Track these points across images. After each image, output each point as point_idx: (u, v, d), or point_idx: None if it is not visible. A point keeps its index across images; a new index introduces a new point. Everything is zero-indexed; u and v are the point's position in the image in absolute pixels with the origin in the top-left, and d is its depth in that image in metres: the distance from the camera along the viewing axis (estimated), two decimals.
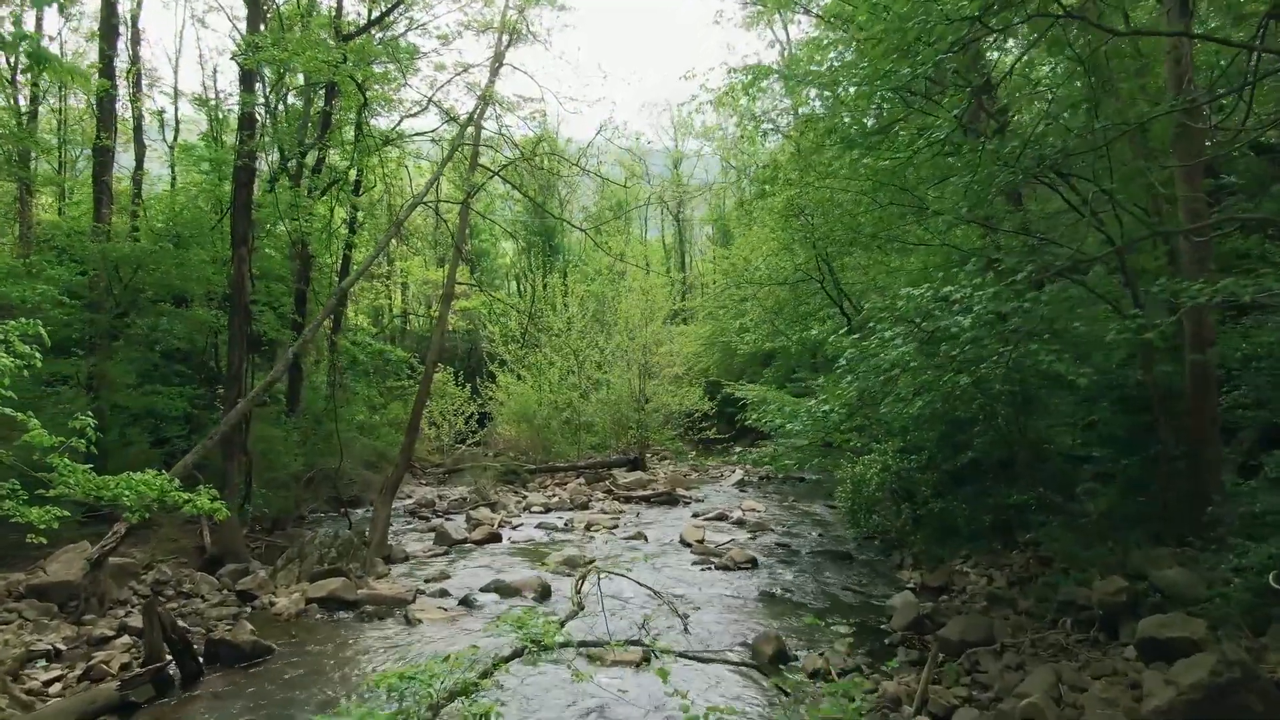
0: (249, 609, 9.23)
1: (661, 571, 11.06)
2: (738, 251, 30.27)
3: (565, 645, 4.92)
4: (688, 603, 9.58)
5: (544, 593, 9.74)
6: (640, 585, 7.68)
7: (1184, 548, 6.93)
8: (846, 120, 7.65)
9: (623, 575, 7.40)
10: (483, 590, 10.08)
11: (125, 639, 7.92)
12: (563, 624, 6.37)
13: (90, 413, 12.01)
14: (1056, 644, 6.73)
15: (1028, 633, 7.03)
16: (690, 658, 6.21)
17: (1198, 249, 7.27)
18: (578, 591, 6.80)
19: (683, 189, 38.58)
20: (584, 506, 17.40)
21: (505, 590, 9.87)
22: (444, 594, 10.00)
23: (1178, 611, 5.98)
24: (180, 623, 8.34)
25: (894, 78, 5.26)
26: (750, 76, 9.37)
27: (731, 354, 28.55)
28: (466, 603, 9.43)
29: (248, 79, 12.89)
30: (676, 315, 31.15)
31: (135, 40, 18.13)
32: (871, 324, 5.93)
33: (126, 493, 5.79)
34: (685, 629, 7.98)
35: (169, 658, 7.05)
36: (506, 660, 5.08)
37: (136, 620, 8.00)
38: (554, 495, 19.01)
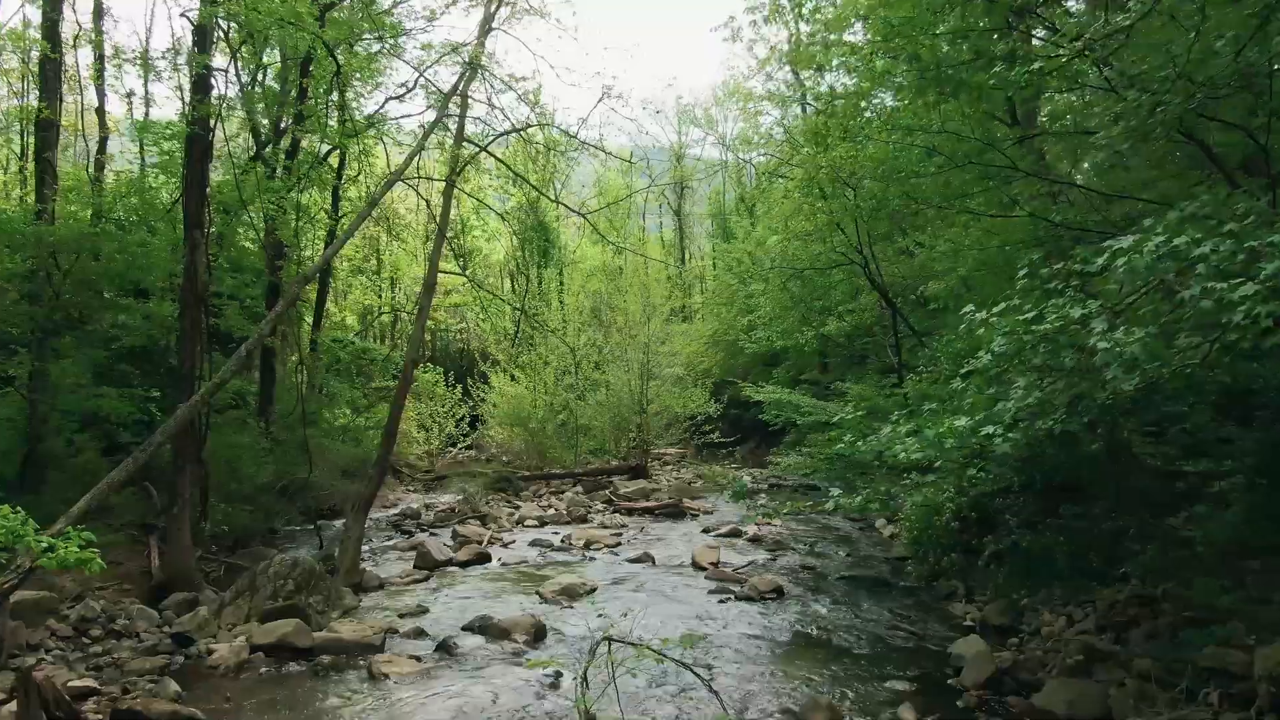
0: (182, 657, 7.64)
1: (675, 605, 9.56)
2: (742, 246, 28.78)
3: None
4: (709, 646, 8.06)
5: (538, 634, 8.23)
6: (665, 656, 6.01)
7: None
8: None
9: (643, 650, 5.58)
10: (466, 629, 8.54)
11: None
12: None
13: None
14: None
15: (1159, 708, 5.48)
16: None
17: None
18: (584, 680, 5.21)
19: (685, 178, 37.17)
20: (582, 520, 15.84)
21: (492, 631, 8.33)
22: (420, 634, 8.45)
23: None
24: (86, 682, 6.77)
25: None
26: None
27: (736, 353, 27.07)
28: (445, 648, 7.87)
29: (202, 37, 11.35)
30: (677, 313, 29.73)
31: (98, 13, 16.57)
32: (1017, 301, 4.39)
33: None
34: (712, 689, 6.42)
35: None
36: None
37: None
38: (549, 506, 17.45)
